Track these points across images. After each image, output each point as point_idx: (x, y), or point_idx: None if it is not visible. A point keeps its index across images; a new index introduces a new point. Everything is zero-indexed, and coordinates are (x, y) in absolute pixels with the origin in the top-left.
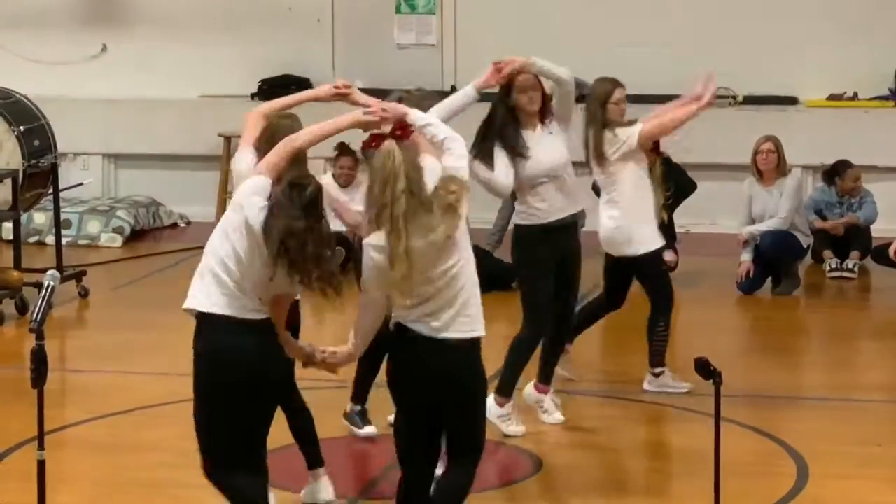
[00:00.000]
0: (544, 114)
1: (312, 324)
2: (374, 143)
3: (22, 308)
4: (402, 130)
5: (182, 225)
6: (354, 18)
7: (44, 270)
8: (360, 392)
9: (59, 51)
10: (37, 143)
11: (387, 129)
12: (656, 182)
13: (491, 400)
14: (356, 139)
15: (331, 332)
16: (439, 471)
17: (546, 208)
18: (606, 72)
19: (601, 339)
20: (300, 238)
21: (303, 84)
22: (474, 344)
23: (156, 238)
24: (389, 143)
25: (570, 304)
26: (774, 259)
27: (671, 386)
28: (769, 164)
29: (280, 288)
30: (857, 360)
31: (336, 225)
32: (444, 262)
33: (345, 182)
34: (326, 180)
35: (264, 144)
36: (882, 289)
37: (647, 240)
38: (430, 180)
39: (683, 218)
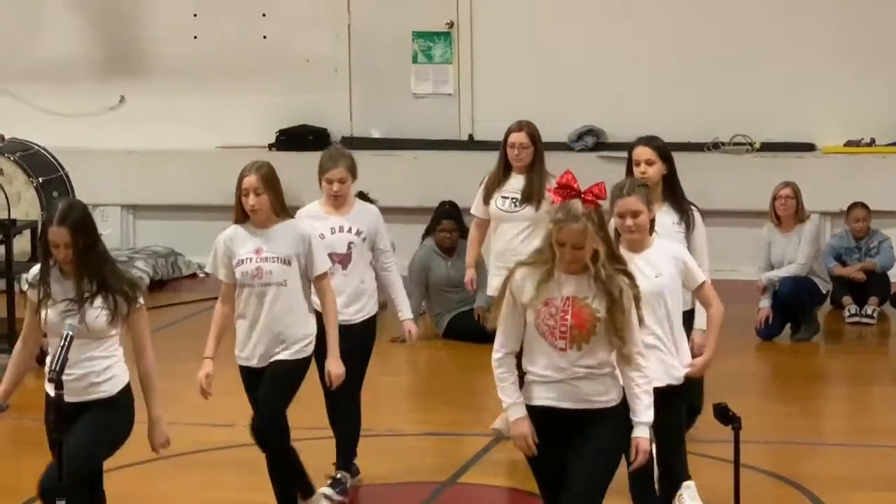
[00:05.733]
0: None
1: None
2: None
3: (41, 358)
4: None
5: (201, 275)
6: (371, 69)
7: None
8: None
9: (78, 103)
10: (55, 194)
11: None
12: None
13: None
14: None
15: None
16: None
17: None
18: (623, 120)
19: None
20: None
21: (320, 134)
22: None
23: (175, 288)
24: None
25: None
26: (793, 305)
27: None
28: (788, 211)
29: None
30: (876, 406)
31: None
32: None
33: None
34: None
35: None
36: None
37: None
38: None
39: None
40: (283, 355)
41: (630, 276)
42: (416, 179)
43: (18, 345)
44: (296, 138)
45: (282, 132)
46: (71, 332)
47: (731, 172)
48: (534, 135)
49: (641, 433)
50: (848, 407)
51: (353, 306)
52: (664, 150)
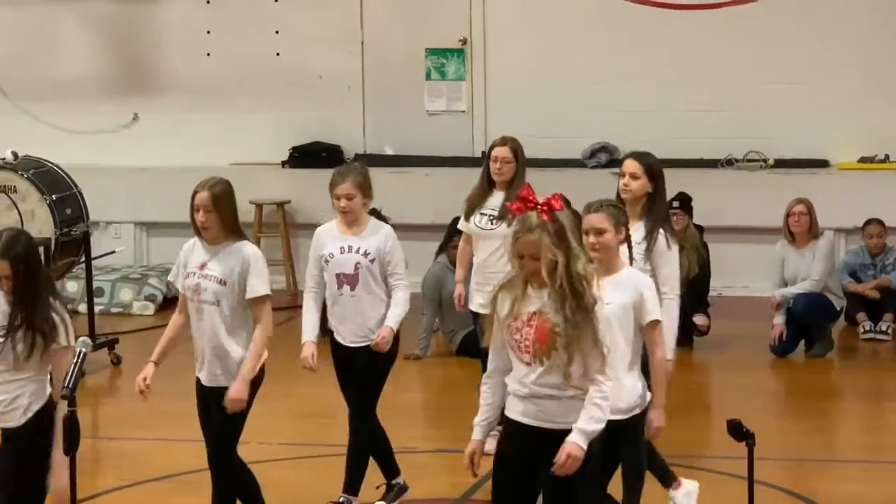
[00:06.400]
0: None
1: None
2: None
3: None
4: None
5: None
6: (384, 85)
7: (76, 338)
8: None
9: (91, 120)
10: (69, 211)
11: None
12: (690, 244)
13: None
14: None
15: None
16: None
17: None
18: (636, 137)
19: None
20: None
21: (333, 151)
22: None
23: None
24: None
25: None
26: (807, 322)
27: None
28: (801, 227)
29: None
30: (891, 422)
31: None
32: None
33: None
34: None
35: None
36: None
37: None
38: None
39: (716, 281)
40: (228, 384)
41: (581, 298)
42: (429, 196)
43: None
44: (309, 155)
45: (295, 149)
46: (84, 349)
47: (744, 189)
48: (517, 150)
49: (574, 438)
50: (862, 424)
51: (361, 329)
52: (652, 168)
